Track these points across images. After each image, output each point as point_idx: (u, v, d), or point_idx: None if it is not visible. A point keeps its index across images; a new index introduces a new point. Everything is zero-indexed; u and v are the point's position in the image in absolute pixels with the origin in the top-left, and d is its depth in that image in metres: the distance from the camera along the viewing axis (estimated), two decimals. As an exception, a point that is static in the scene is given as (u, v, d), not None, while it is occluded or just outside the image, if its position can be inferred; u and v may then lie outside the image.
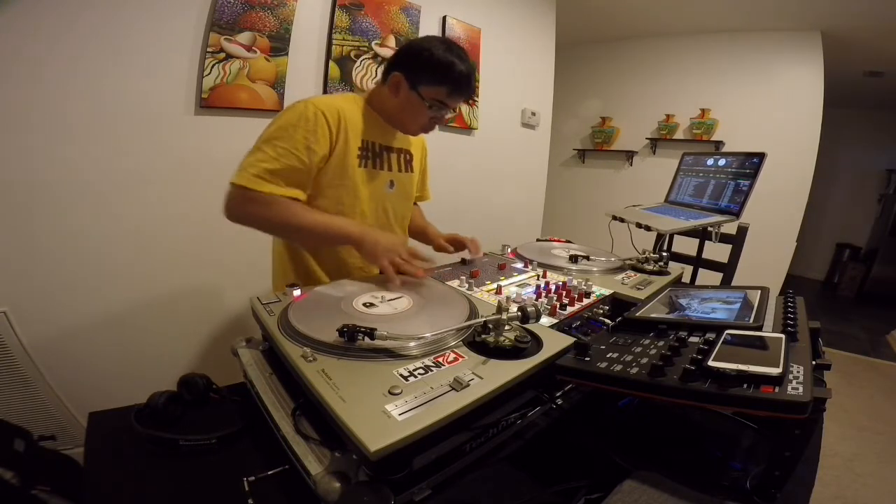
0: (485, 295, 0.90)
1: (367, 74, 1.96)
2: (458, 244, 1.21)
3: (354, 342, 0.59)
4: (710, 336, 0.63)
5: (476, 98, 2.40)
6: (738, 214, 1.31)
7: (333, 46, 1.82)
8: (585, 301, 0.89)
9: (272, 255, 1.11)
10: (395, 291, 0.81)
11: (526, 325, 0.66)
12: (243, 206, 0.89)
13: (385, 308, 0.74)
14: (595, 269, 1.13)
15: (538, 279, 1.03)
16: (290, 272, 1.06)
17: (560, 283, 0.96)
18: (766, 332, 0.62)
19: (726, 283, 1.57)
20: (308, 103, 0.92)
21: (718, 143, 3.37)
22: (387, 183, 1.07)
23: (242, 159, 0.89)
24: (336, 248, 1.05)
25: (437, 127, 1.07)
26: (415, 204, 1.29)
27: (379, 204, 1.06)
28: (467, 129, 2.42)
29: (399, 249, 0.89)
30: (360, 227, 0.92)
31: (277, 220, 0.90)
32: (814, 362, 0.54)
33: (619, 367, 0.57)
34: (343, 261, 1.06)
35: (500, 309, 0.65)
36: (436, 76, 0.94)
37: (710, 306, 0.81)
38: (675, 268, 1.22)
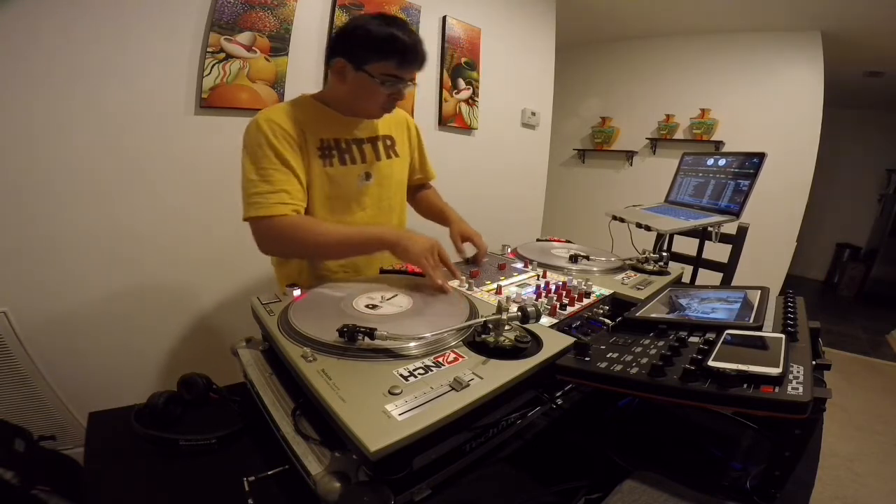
0: (485, 295, 0.90)
1: (367, 74, 1.95)
2: (468, 240, 1.21)
3: (354, 342, 0.59)
4: (710, 336, 0.63)
5: (476, 98, 2.40)
6: (738, 214, 1.31)
7: (333, 46, 1.82)
8: (585, 301, 0.89)
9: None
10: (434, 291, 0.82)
11: (526, 325, 0.66)
12: (272, 236, 0.89)
13: (385, 308, 0.74)
14: (595, 269, 1.13)
15: (538, 279, 1.03)
16: (286, 266, 1.06)
17: (560, 283, 0.96)
18: (766, 332, 0.62)
19: (726, 283, 1.57)
20: (257, 120, 0.91)
21: (718, 143, 3.36)
22: (360, 176, 1.03)
23: (243, 193, 0.89)
24: None
25: (403, 108, 1.06)
26: (426, 186, 1.29)
27: (352, 200, 1.04)
28: (467, 129, 2.42)
29: (434, 251, 0.89)
30: (394, 231, 0.92)
31: (309, 241, 0.89)
32: (814, 362, 0.54)
33: (619, 367, 0.57)
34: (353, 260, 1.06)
35: (500, 309, 0.65)
36: (379, 51, 0.89)
37: (709, 306, 0.81)
38: (675, 268, 1.22)
